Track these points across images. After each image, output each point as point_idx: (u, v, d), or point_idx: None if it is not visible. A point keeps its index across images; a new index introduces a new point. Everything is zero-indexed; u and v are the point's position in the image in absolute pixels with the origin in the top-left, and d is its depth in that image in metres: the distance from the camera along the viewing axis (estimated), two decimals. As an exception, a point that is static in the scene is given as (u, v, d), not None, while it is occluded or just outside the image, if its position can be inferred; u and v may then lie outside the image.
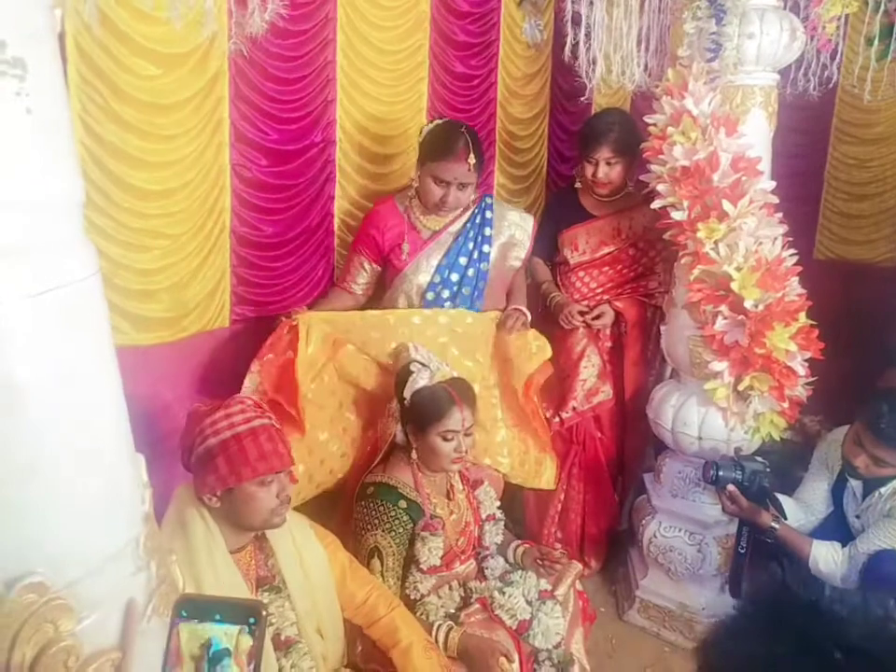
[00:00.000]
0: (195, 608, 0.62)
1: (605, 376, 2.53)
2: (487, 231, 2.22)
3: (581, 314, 2.45)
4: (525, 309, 2.23)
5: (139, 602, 0.67)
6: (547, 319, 2.45)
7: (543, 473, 2.28)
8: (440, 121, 2.17)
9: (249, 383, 1.90)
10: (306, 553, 1.47)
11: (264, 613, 0.61)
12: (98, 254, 0.73)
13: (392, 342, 2.02)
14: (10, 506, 0.59)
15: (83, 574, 0.63)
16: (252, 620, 0.61)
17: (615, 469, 2.65)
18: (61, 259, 0.63)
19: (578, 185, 2.55)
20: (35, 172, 0.61)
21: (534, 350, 2.17)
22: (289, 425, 1.87)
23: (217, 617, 0.61)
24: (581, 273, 2.53)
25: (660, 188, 2.11)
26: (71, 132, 0.67)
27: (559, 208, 2.62)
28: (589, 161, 2.41)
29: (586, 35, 2.10)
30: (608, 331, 2.53)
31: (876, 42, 2.30)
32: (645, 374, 2.59)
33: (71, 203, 0.66)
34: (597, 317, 2.46)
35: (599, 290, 2.52)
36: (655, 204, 2.15)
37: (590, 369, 2.52)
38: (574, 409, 2.50)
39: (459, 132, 2.07)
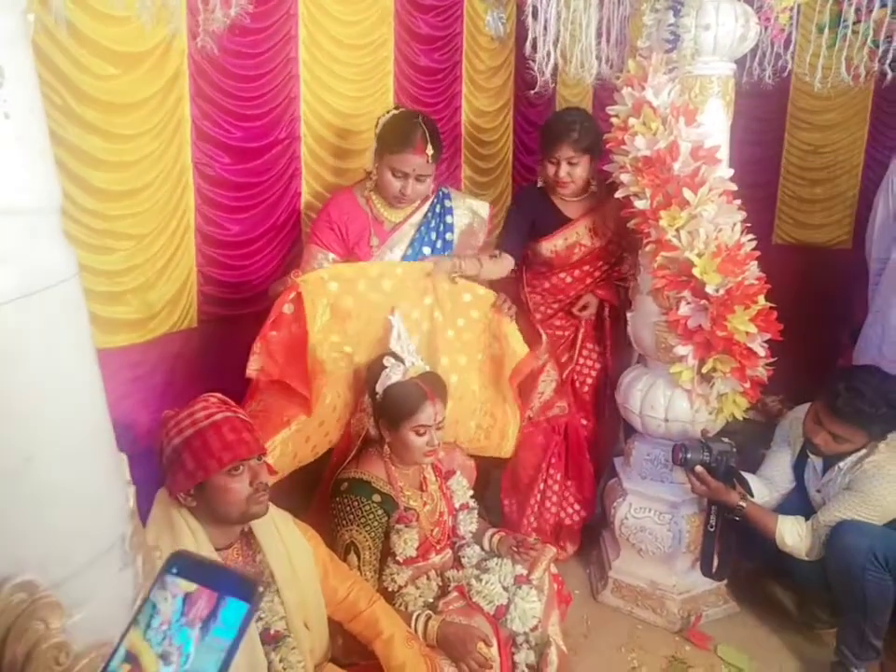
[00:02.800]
0: (188, 567, 0.57)
1: (561, 393, 2.57)
2: (449, 220, 2.22)
3: (565, 309, 2.54)
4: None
5: (126, 598, 0.68)
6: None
7: (504, 445, 2.28)
8: (396, 112, 2.14)
9: (253, 364, 1.86)
10: (292, 548, 1.48)
11: (260, 591, 0.56)
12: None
13: (376, 293, 1.98)
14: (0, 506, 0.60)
15: (72, 572, 0.64)
16: (245, 597, 0.55)
17: (595, 456, 2.70)
18: (42, 263, 0.64)
19: (541, 184, 2.54)
20: (15, 176, 0.61)
21: (520, 337, 2.18)
22: (296, 404, 1.86)
23: (207, 583, 0.56)
24: (563, 275, 2.57)
25: (623, 177, 2.16)
26: (47, 135, 0.68)
27: (535, 211, 2.55)
28: (551, 161, 2.42)
29: (544, 28, 2.12)
30: (591, 319, 2.59)
31: (826, 30, 2.37)
32: (627, 356, 2.64)
33: (50, 206, 0.67)
34: (583, 308, 2.53)
35: (580, 286, 2.57)
36: (619, 194, 2.19)
37: (548, 383, 2.56)
38: (529, 418, 2.53)
39: (416, 122, 2.05)
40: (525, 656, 1.74)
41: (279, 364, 1.87)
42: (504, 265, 2.40)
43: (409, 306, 2.04)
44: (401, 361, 1.86)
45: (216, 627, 0.55)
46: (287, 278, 1.92)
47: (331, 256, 2.13)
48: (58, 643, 0.57)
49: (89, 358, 0.72)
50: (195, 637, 0.55)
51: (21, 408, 0.61)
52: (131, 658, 0.55)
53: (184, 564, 0.57)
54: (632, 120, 2.11)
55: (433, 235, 2.19)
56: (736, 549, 2.19)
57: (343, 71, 2.39)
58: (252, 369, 1.86)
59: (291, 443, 1.90)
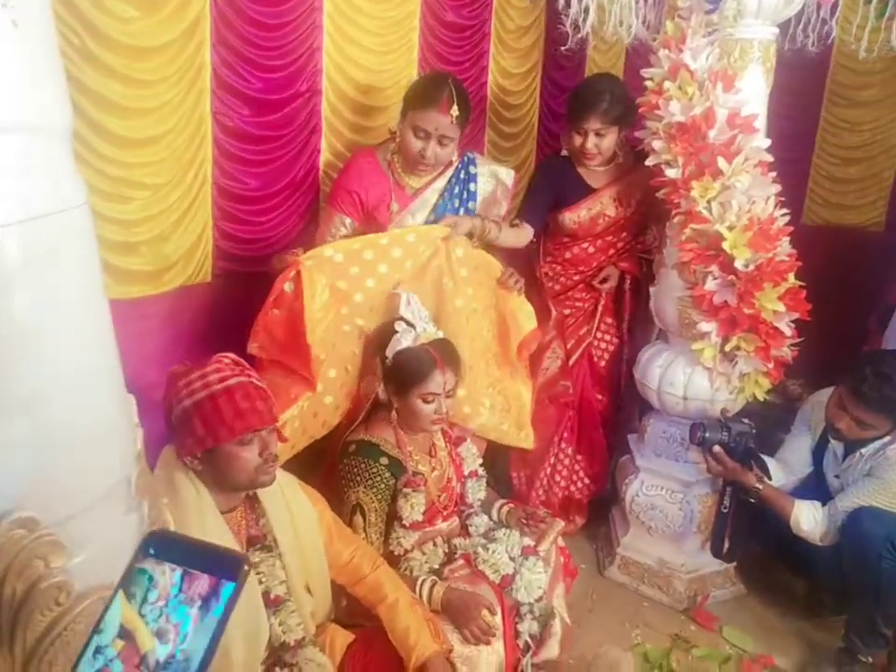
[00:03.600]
0: (167, 547, 0.53)
1: (566, 372, 2.53)
2: (472, 187, 2.15)
3: (586, 280, 2.51)
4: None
5: (131, 543, 0.66)
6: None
7: (523, 436, 2.24)
8: (428, 73, 2.10)
9: (254, 341, 1.85)
10: (297, 512, 1.46)
11: (246, 569, 0.51)
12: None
13: (383, 264, 1.94)
14: (1, 441, 0.57)
15: (75, 511, 0.62)
16: (231, 575, 0.51)
17: (610, 432, 2.66)
18: (52, 186, 0.60)
19: (565, 153, 2.47)
20: (23, 90, 0.57)
21: (528, 312, 2.14)
22: (300, 382, 1.85)
23: (189, 564, 0.52)
24: (585, 245, 2.51)
25: (655, 144, 2.08)
26: (57, 49, 0.63)
27: (559, 181, 2.47)
28: (578, 131, 2.32)
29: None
30: (611, 292, 2.56)
31: (876, -2, 2.26)
32: (646, 331, 2.59)
33: (60, 125, 0.62)
34: (604, 280, 2.50)
35: (602, 257, 2.52)
36: (650, 161, 2.11)
37: (553, 360, 2.52)
38: None
39: (445, 82, 1.98)
40: (528, 626, 1.72)
41: (279, 343, 1.85)
42: (523, 235, 2.35)
43: (418, 271, 1.98)
44: (412, 327, 1.82)
45: (217, 607, 0.51)
46: (289, 254, 1.87)
47: (348, 220, 2.09)
48: (58, 582, 0.55)
49: (95, 290, 0.69)
50: (194, 616, 0.51)
51: (22, 335, 0.57)
52: (125, 634, 0.51)
53: (161, 543, 0.53)
54: (667, 84, 2.02)
55: (456, 202, 2.13)
56: (748, 531, 2.16)
57: (368, 24, 2.31)
58: (253, 346, 1.84)
59: (300, 420, 1.89)
